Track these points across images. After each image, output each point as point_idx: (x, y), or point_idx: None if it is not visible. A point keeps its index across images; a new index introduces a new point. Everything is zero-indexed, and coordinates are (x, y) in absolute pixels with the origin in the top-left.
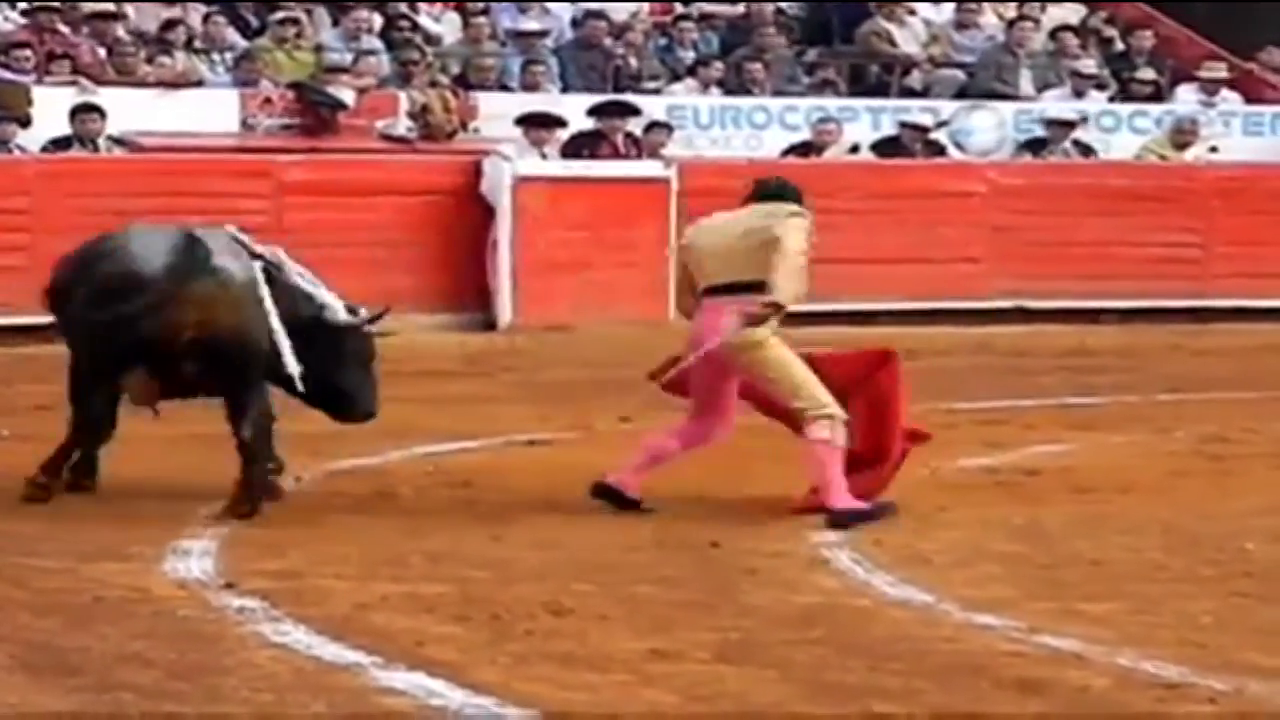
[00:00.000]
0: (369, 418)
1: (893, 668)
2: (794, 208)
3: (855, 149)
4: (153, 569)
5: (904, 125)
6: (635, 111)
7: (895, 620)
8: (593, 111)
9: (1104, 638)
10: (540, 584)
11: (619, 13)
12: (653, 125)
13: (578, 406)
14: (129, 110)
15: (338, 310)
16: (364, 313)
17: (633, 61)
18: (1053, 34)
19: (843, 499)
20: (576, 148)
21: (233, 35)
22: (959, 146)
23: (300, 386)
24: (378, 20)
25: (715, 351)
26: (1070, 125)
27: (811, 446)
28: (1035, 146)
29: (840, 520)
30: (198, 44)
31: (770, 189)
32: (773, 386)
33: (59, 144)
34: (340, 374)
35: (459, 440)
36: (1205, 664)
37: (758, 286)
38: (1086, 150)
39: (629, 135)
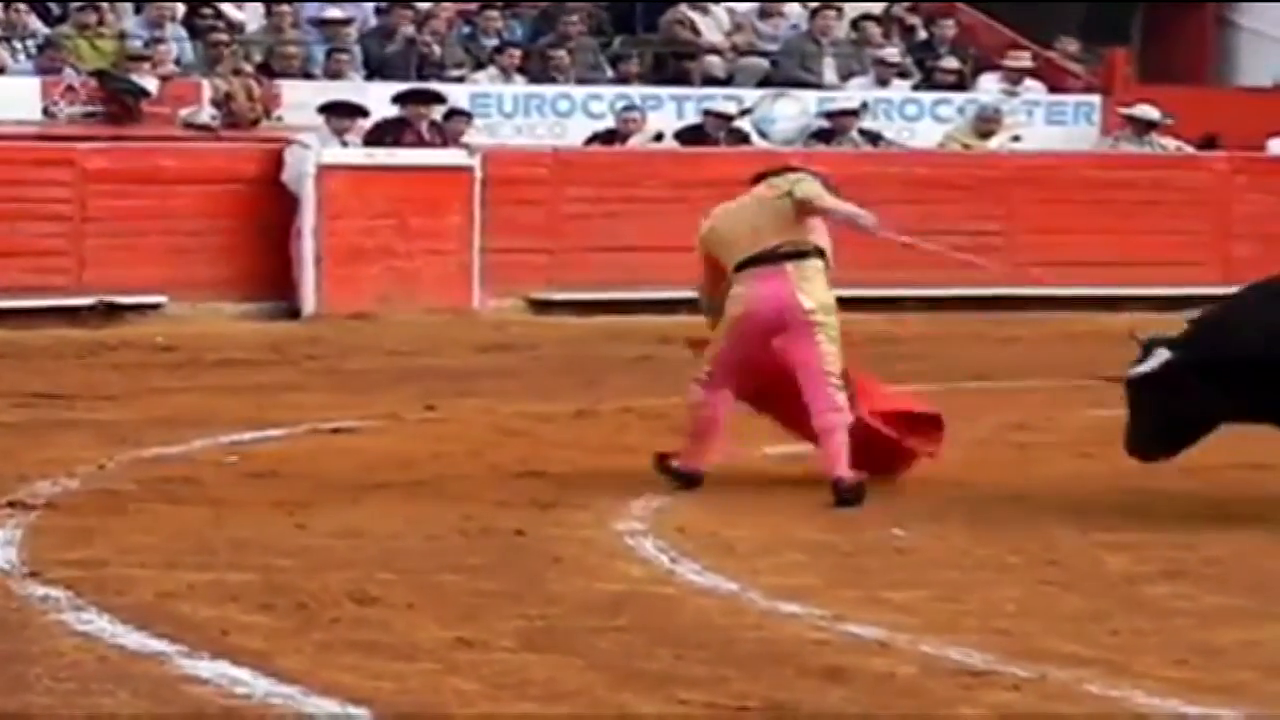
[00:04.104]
0: None
1: (698, 656)
2: (792, 176)
3: (659, 137)
4: None
5: (707, 113)
6: (440, 99)
7: (701, 608)
8: (398, 99)
9: (908, 625)
10: (346, 572)
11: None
12: (452, 113)
13: (382, 394)
14: None
15: None
16: None
17: (436, 49)
18: (856, 23)
19: (846, 469)
20: (380, 135)
21: (35, 23)
22: (762, 135)
23: None
24: (180, 8)
25: (783, 314)
26: (853, 114)
27: (832, 423)
28: (824, 137)
29: (851, 491)
30: None
31: (771, 171)
32: (826, 349)
33: None
34: None
35: (264, 429)
36: (1009, 651)
37: (807, 252)
38: (875, 139)
39: (433, 123)
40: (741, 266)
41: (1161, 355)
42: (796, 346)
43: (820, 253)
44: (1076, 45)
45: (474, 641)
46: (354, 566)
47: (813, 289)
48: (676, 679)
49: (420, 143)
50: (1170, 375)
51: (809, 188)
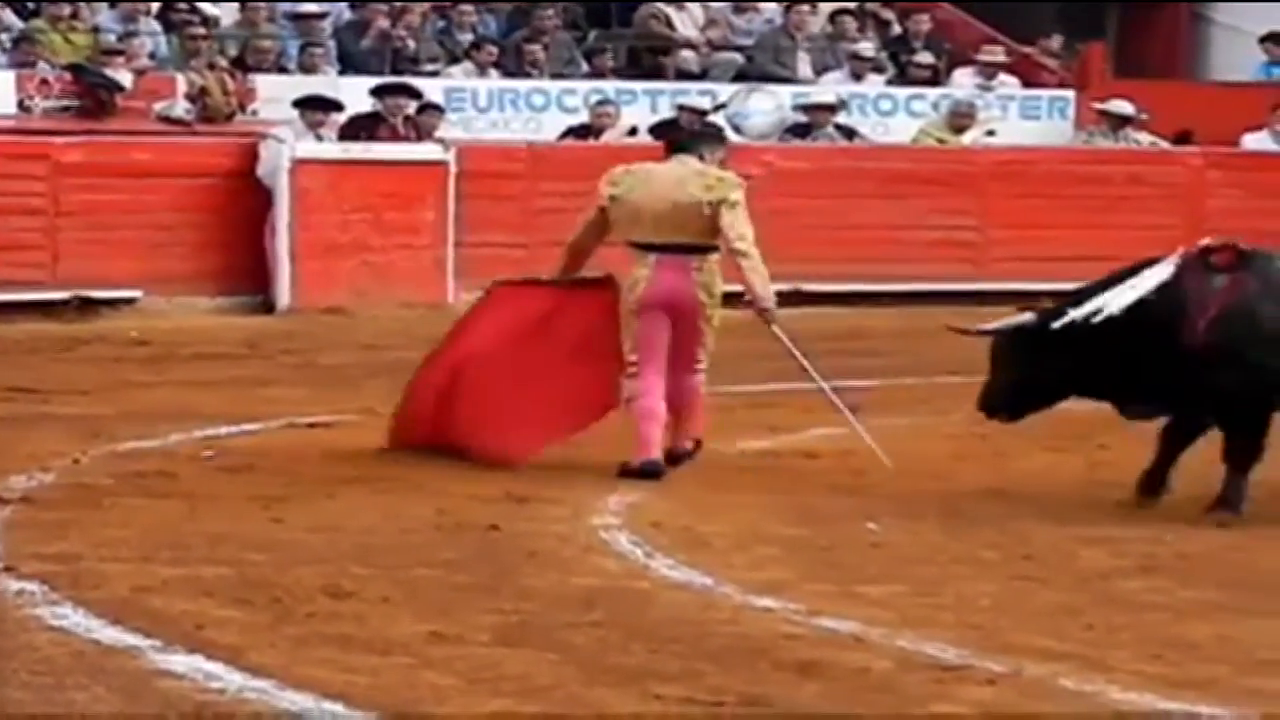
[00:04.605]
0: None
1: (672, 650)
2: (733, 179)
3: (633, 132)
4: None
5: (682, 108)
6: (417, 94)
7: (675, 603)
8: (374, 93)
9: (884, 620)
10: (320, 567)
11: None
12: (425, 107)
13: (357, 389)
14: None
15: None
16: None
17: (411, 44)
18: (831, 17)
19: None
20: (355, 129)
21: (9, 17)
22: (737, 129)
23: None
24: (155, 3)
25: (685, 306)
26: (831, 109)
27: (698, 396)
28: (800, 131)
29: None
30: None
31: (686, 140)
32: (704, 339)
33: None
34: None
35: (239, 423)
36: (984, 646)
37: (711, 249)
38: (850, 134)
39: (408, 118)
40: (642, 246)
41: (1023, 317)
42: (679, 330)
43: (717, 246)
44: (1059, 42)
45: (449, 636)
46: (329, 561)
47: (710, 282)
48: (651, 674)
49: (395, 137)
50: (1023, 337)
51: (741, 223)
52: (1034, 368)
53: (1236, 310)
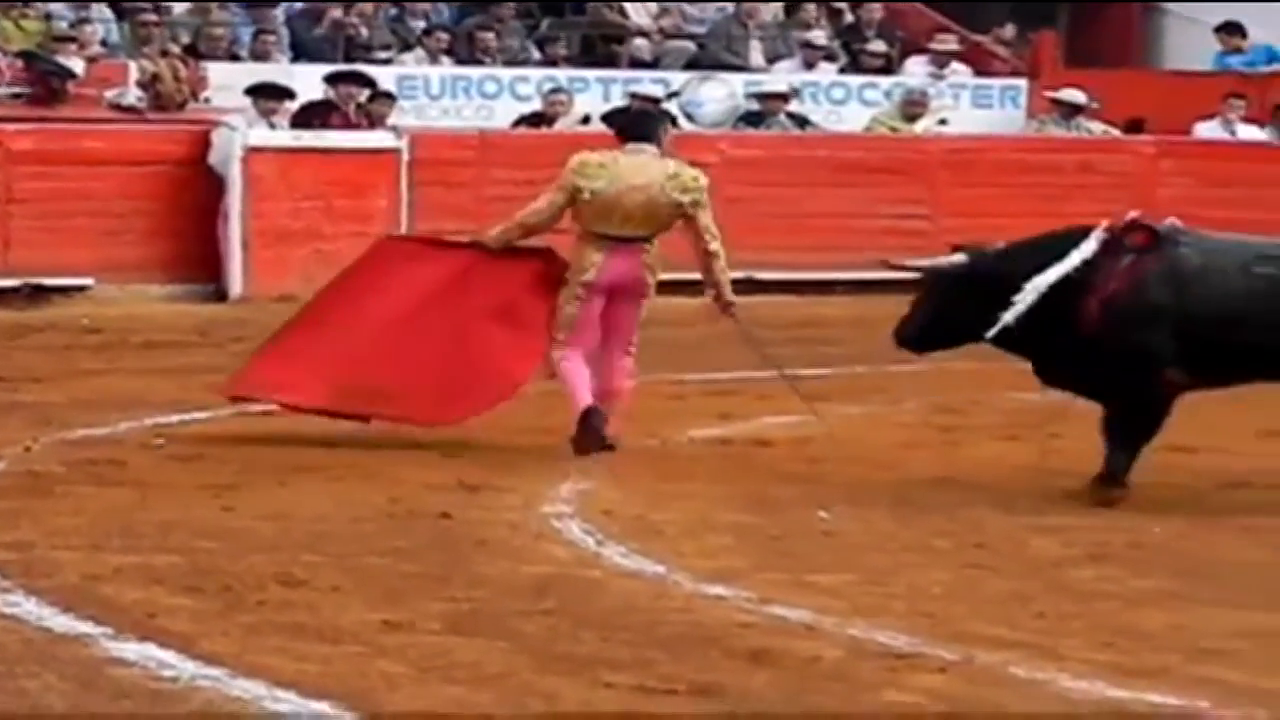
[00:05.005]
0: None
1: (624, 638)
2: (701, 177)
3: (586, 120)
4: None
5: (634, 96)
6: (370, 82)
7: (626, 591)
8: (328, 80)
9: (835, 608)
10: (272, 555)
11: None
12: (377, 95)
13: None
14: None
15: None
16: None
17: (363, 31)
18: (789, 8)
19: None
20: (308, 116)
21: None
22: (689, 117)
23: None
24: None
25: (633, 288)
26: (783, 98)
27: (626, 382)
28: (753, 120)
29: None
30: None
31: (644, 127)
32: (639, 319)
33: None
34: None
35: (190, 411)
36: (935, 634)
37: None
38: (802, 122)
39: (360, 105)
40: (601, 234)
41: (958, 258)
42: (623, 311)
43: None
44: (1012, 32)
45: (400, 624)
46: (280, 549)
47: (654, 265)
48: (602, 661)
49: (347, 125)
50: (951, 278)
51: (713, 223)
52: (953, 309)
53: (1129, 293)
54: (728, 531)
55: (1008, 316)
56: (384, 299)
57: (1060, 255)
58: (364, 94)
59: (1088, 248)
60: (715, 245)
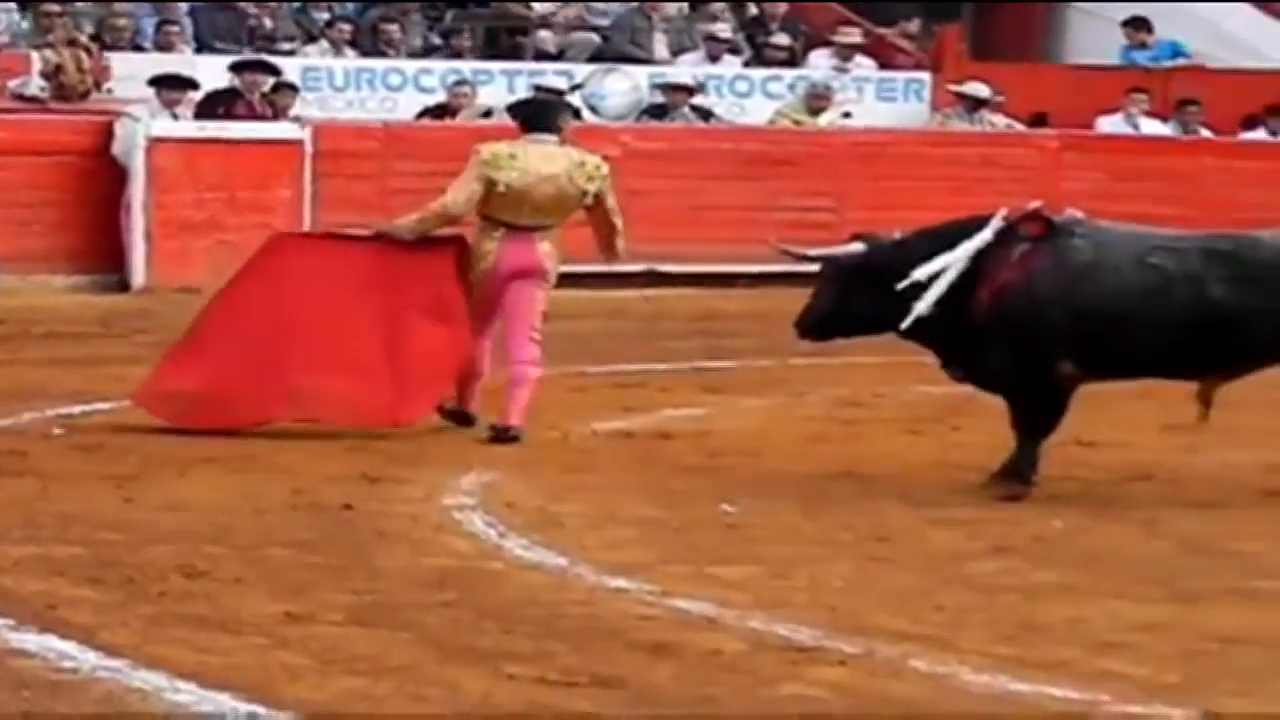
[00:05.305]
0: None
1: (525, 630)
2: (603, 163)
3: (488, 113)
4: None
5: (538, 89)
6: (275, 70)
7: (528, 583)
8: (233, 68)
9: (738, 601)
10: (173, 546)
11: None
12: (279, 86)
13: None
14: None
15: None
16: None
17: (268, 22)
18: (692, 3)
19: (519, 418)
20: (212, 105)
21: None
22: (594, 110)
23: None
24: None
25: (531, 273)
26: (688, 90)
27: (528, 377)
28: (657, 112)
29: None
30: None
31: (544, 119)
32: (539, 306)
33: None
34: None
35: (92, 402)
36: (837, 627)
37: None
38: (706, 115)
39: (265, 95)
40: (502, 222)
41: (852, 247)
42: (519, 297)
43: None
44: (918, 25)
45: (301, 616)
46: (182, 540)
47: (552, 254)
48: (504, 654)
49: (252, 114)
50: (853, 267)
51: (617, 203)
52: (852, 299)
53: (1018, 285)
54: (630, 524)
55: (920, 307)
56: (300, 299)
57: (958, 245)
58: (269, 83)
59: (982, 237)
60: (620, 222)
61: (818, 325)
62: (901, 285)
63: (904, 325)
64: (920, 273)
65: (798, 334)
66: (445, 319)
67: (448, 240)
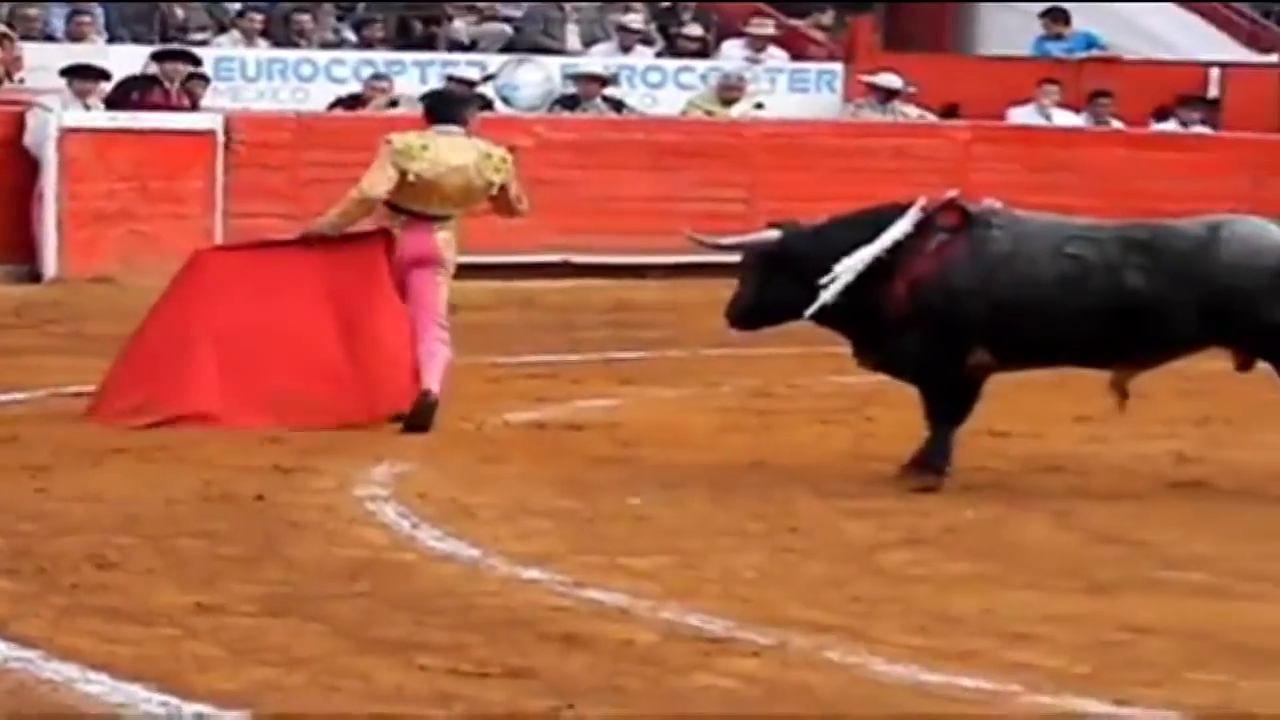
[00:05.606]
0: None
1: (438, 622)
2: (508, 155)
3: (394, 104)
4: None
5: (450, 79)
6: (197, 61)
7: (441, 574)
8: (155, 56)
9: (650, 592)
10: (85, 537)
11: None
12: (191, 76)
13: None
14: None
15: None
16: None
17: (179, 13)
18: None
19: (437, 383)
20: (127, 90)
21: None
22: (506, 101)
23: None
24: None
25: (428, 260)
26: (600, 81)
27: (440, 351)
28: (569, 103)
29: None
30: None
31: (451, 109)
32: (443, 295)
33: None
34: None
35: (4, 392)
36: (749, 618)
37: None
38: (619, 106)
39: (183, 84)
40: (404, 210)
41: (768, 235)
42: (422, 287)
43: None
44: (831, 17)
45: (213, 606)
46: (94, 531)
47: (450, 244)
48: (417, 645)
49: (168, 101)
50: (772, 256)
51: (523, 191)
52: (774, 287)
53: (935, 276)
54: (543, 515)
55: (825, 295)
56: (252, 309)
57: (875, 232)
58: (187, 72)
59: (901, 228)
60: (524, 209)
61: (745, 315)
62: (825, 280)
63: (809, 313)
64: (843, 267)
65: (728, 324)
66: (389, 311)
67: (373, 234)
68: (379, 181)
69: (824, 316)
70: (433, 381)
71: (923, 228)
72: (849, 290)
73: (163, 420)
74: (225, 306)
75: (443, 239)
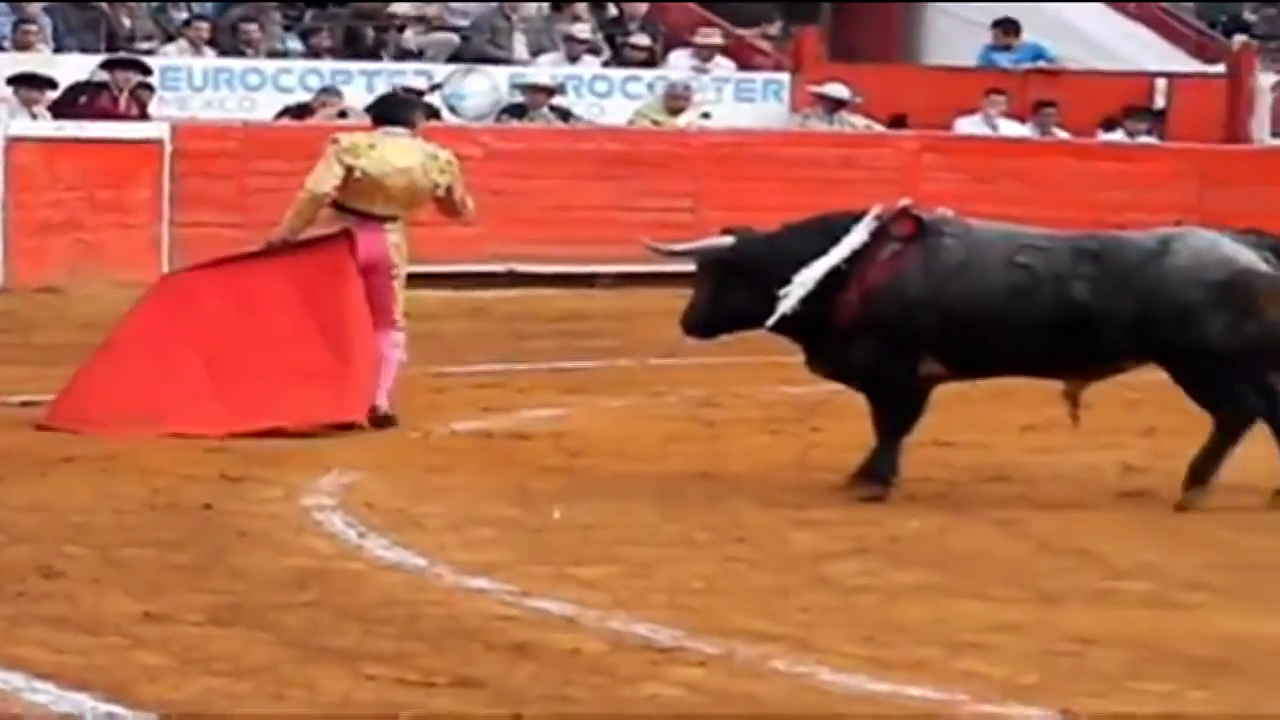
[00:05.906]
0: None
1: (385, 631)
2: (454, 159)
3: (343, 114)
4: None
5: (397, 89)
6: (147, 70)
7: (388, 584)
8: (105, 65)
9: (597, 601)
10: (33, 546)
11: None
12: (138, 85)
13: (71, 368)
14: None
15: None
16: None
17: (126, 22)
18: (555, 3)
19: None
20: (75, 95)
21: None
22: (453, 110)
23: None
24: None
25: (380, 264)
26: (547, 91)
27: (391, 356)
28: (516, 112)
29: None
30: None
31: (397, 112)
32: (398, 298)
33: None
34: None
35: None
36: (696, 627)
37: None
38: (566, 115)
39: (132, 92)
40: (352, 211)
41: (721, 241)
42: (373, 285)
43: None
44: (778, 27)
45: (160, 616)
46: (41, 540)
47: (400, 242)
48: (364, 654)
49: (115, 109)
50: (726, 263)
51: (468, 195)
52: (729, 295)
53: (888, 285)
54: (489, 524)
55: (784, 306)
56: (228, 321)
57: (830, 240)
58: (136, 81)
59: (857, 236)
60: (469, 211)
61: (701, 324)
62: (783, 290)
63: (769, 324)
64: (802, 278)
65: (684, 333)
66: (357, 312)
67: (337, 235)
68: (325, 178)
69: (780, 325)
70: (381, 396)
71: (877, 236)
72: (805, 299)
73: (167, 431)
74: (205, 320)
75: (393, 242)
